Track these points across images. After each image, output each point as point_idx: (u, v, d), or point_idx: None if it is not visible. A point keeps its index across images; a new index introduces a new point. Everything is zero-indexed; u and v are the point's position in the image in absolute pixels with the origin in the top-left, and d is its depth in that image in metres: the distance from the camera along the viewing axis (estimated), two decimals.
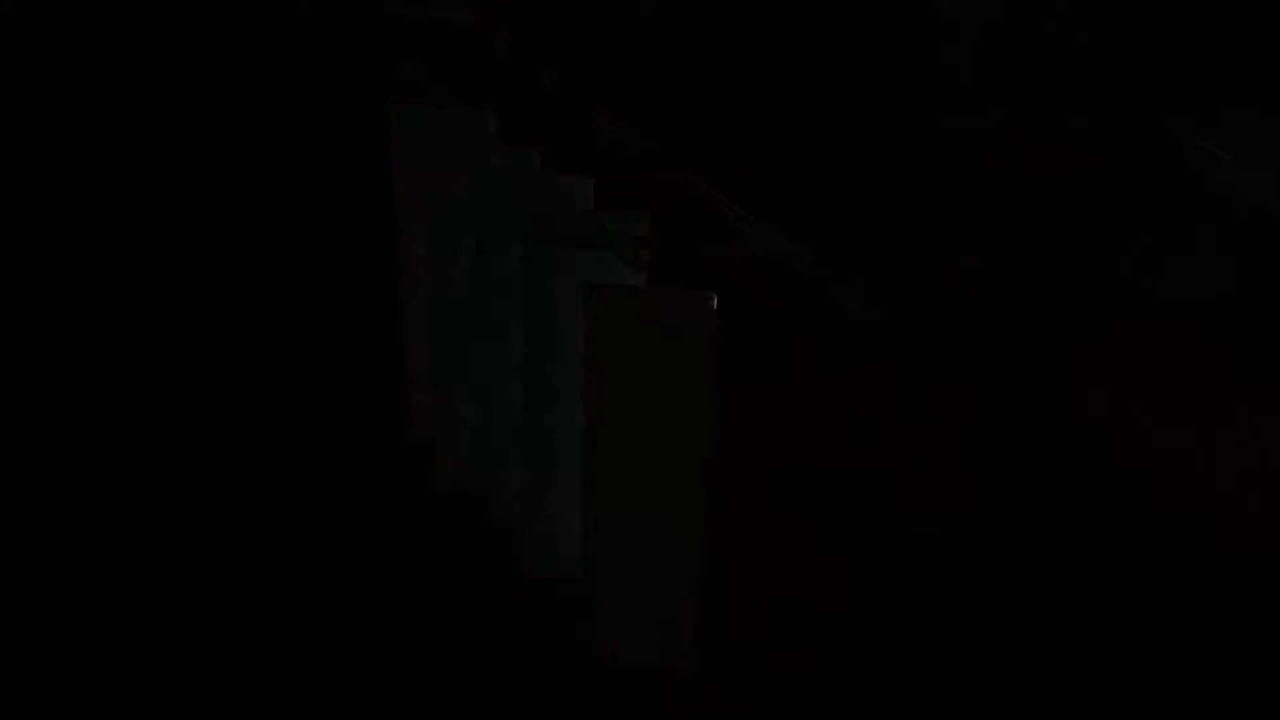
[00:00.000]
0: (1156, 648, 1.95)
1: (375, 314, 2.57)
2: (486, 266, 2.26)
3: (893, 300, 1.79)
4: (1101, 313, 1.97)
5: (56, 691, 2.35)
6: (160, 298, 2.67)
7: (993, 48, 2.16)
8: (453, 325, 2.45)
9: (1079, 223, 2.03)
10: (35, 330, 2.66)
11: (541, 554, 2.36)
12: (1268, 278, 1.93)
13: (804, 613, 2.13)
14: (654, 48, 2.28)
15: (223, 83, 2.56)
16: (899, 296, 1.83)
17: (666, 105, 2.16)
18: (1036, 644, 2.03)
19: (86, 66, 2.62)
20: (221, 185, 2.58)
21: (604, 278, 1.97)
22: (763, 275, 1.87)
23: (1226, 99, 2.06)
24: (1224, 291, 1.94)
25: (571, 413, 2.18)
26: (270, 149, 2.58)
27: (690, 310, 1.91)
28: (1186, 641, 1.93)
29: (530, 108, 2.25)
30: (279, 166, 2.58)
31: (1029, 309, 1.97)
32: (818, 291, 1.80)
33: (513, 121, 2.28)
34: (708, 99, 2.21)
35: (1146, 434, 1.89)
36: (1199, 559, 1.88)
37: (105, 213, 2.64)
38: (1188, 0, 2.11)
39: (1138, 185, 2.05)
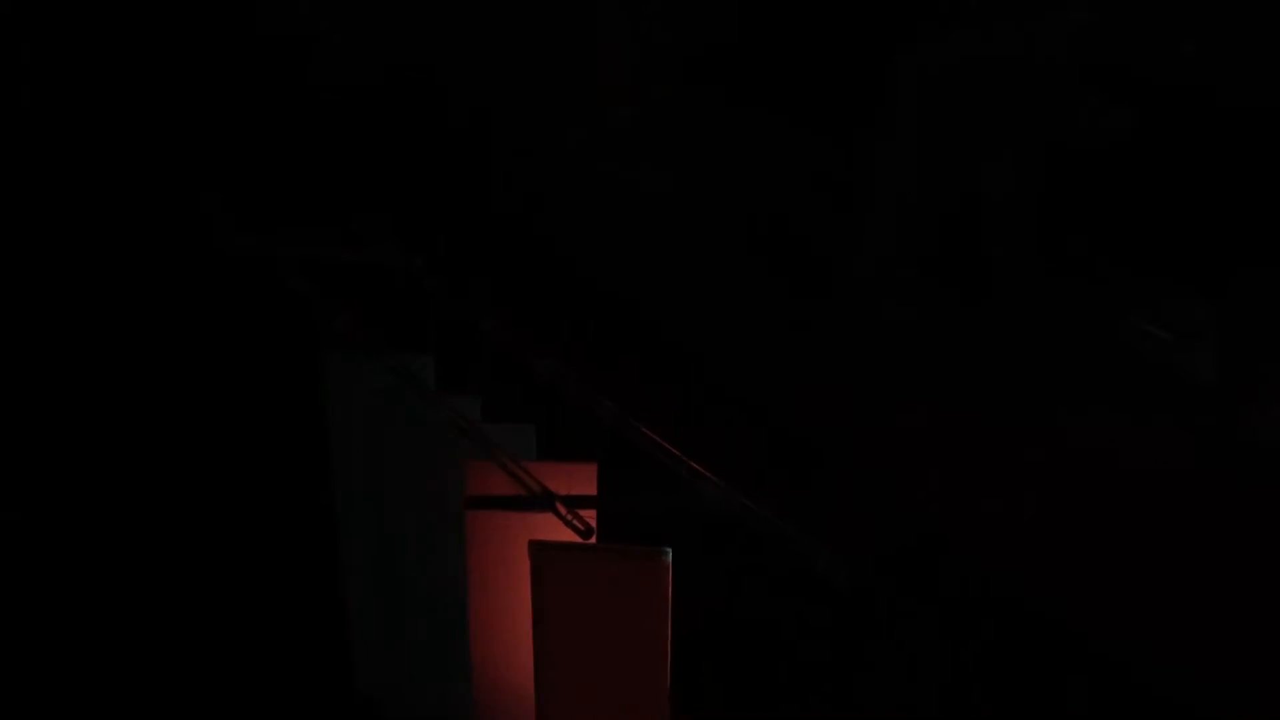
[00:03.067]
0: None
1: (315, 568, 2.46)
2: (428, 521, 2.17)
3: (856, 559, 1.71)
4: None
5: None
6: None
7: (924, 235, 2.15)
8: (395, 582, 2.35)
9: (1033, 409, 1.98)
10: None
11: None
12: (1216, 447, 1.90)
13: None
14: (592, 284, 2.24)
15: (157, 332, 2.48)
16: (862, 552, 1.75)
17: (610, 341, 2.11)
18: None
19: None
20: (162, 437, 2.49)
21: (548, 535, 1.89)
22: (719, 531, 1.78)
23: (1163, 284, 2.06)
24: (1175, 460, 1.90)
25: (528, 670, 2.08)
26: (205, 401, 2.49)
27: (643, 566, 1.82)
28: None
29: (467, 353, 2.19)
30: (214, 419, 2.49)
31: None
32: (778, 548, 1.71)
33: (450, 368, 2.21)
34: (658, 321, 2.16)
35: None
36: None
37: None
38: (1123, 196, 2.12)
39: (1080, 363, 2.02)
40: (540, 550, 1.84)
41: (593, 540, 1.82)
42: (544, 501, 1.79)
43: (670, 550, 1.79)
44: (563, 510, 1.77)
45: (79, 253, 2.42)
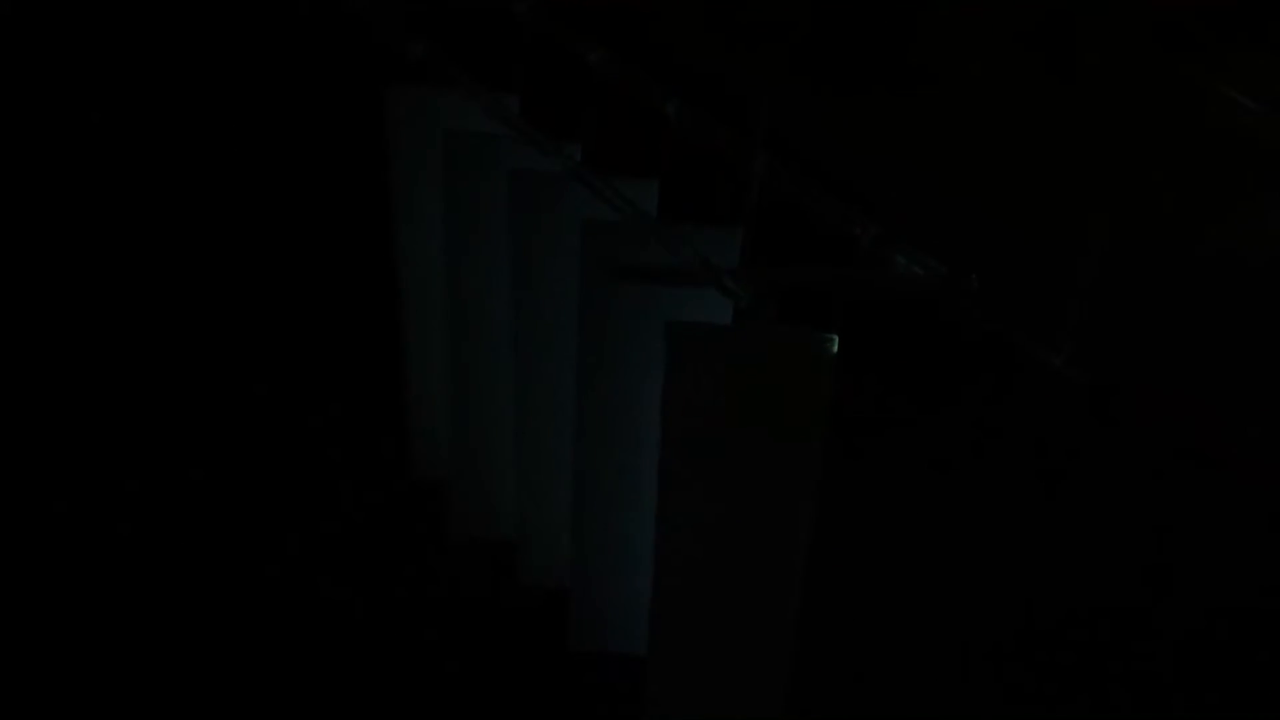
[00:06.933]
0: None
1: (372, 337, 2.19)
2: (522, 294, 1.86)
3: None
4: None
5: None
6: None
7: None
8: (471, 358, 2.06)
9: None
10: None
11: (590, 626, 1.98)
12: None
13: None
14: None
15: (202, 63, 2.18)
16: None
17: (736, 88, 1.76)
18: None
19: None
20: (203, 185, 2.22)
21: (685, 313, 1.58)
22: (899, 315, 1.47)
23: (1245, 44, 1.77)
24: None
25: (631, 464, 1.81)
26: (252, 142, 2.19)
27: (801, 354, 1.52)
28: None
29: (566, 92, 1.84)
30: (261, 165, 2.20)
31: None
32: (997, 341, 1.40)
33: (543, 109, 1.87)
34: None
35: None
36: None
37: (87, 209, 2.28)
38: None
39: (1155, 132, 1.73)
40: (680, 332, 1.53)
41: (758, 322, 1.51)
42: (703, 271, 1.47)
43: (836, 337, 1.48)
44: (731, 283, 1.45)
45: None
